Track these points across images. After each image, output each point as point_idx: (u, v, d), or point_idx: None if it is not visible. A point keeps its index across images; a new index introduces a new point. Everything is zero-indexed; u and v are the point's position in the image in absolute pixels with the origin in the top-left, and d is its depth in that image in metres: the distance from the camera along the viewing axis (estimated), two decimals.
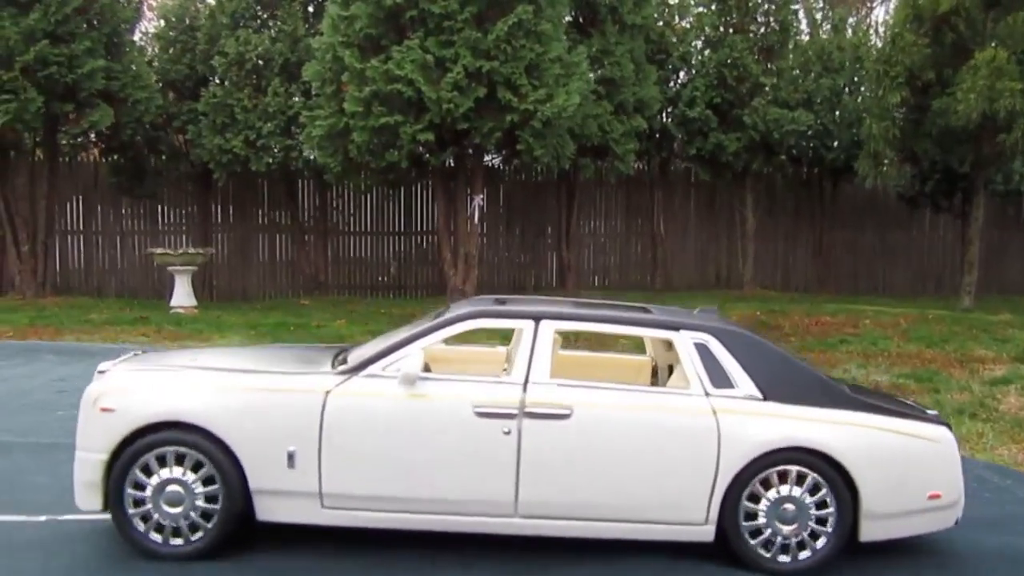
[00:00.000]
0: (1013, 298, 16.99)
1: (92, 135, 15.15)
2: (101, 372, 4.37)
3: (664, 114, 17.11)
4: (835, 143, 17.36)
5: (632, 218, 18.76)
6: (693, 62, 17.11)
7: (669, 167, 18.53)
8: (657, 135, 17.27)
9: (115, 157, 16.05)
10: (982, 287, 15.68)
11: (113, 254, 17.58)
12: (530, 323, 4.37)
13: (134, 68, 14.18)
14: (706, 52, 16.95)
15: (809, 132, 16.54)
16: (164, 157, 16.59)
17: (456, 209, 14.76)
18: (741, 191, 17.72)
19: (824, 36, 18.04)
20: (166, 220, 17.80)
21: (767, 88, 16.27)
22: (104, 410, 4.10)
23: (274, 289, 18.03)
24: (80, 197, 17.24)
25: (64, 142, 15.22)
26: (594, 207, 18.75)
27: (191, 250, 13.80)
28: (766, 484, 4.16)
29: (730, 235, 18.61)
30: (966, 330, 11.95)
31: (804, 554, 4.17)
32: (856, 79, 17.33)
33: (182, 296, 13.59)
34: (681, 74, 17.33)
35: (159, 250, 13.86)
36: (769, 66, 16.56)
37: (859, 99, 16.64)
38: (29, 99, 12.61)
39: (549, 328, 4.35)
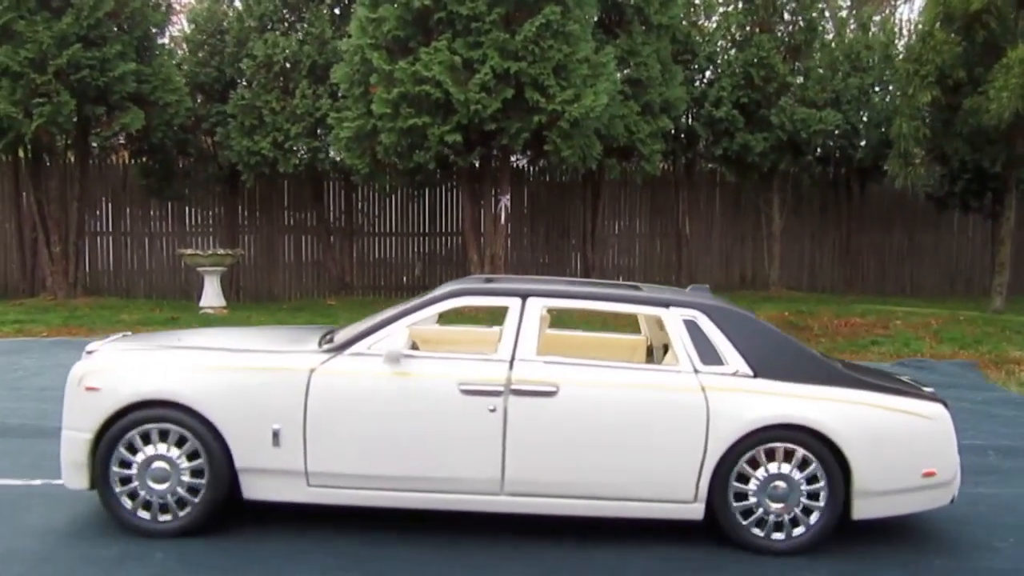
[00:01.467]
0: None
1: (122, 138, 15.30)
2: (89, 352, 4.37)
3: (690, 114, 17.06)
4: (863, 143, 17.23)
5: (657, 219, 18.71)
6: (719, 62, 17.03)
7: (695, 168, 18.46)
8: (683, 136, 17.21)
9: (144, 159, 16.21)
10: (1012, 288, 15.50)
11: (141, 255, 17.75)
12: (517, 300, 4.34)
13: (164, 71, 14.30)
14: (732, 52, 16.86)
15: (837, 132, 16.42)
16: (192, 159, 16.75)
17: (482, 210, 14.79)
18: (767, 192, 17.62)
19: (851, 35, 17.91)
20: (193, 222, 17.96)
21: (794, 88, 16.18)
22: (89, 389, 4.11)
23: (299, 290, 18.14)
24: (109, 199, 17.43)
25: (95, 144, 15.37)
26: (619, 208, 18.72)
27: (220, 251, 13.91)
28: (756, 462, 4.11)
29: (755, 236, 18.51)
30: (999, 331, 11.83)
31: (798, 530, 4.12)
32: (884, 78, 17.18)
33: (211, 297, 13.70)
34: (707, 74, 17.24)
35: (188, 251, 13.98)
36: (796, 65, 16.47)
37: (887, 98, 16.49)
38: (62, 102, 12.76)
39: (536, 305, 4.31)
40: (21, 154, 15.11)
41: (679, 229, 18.42)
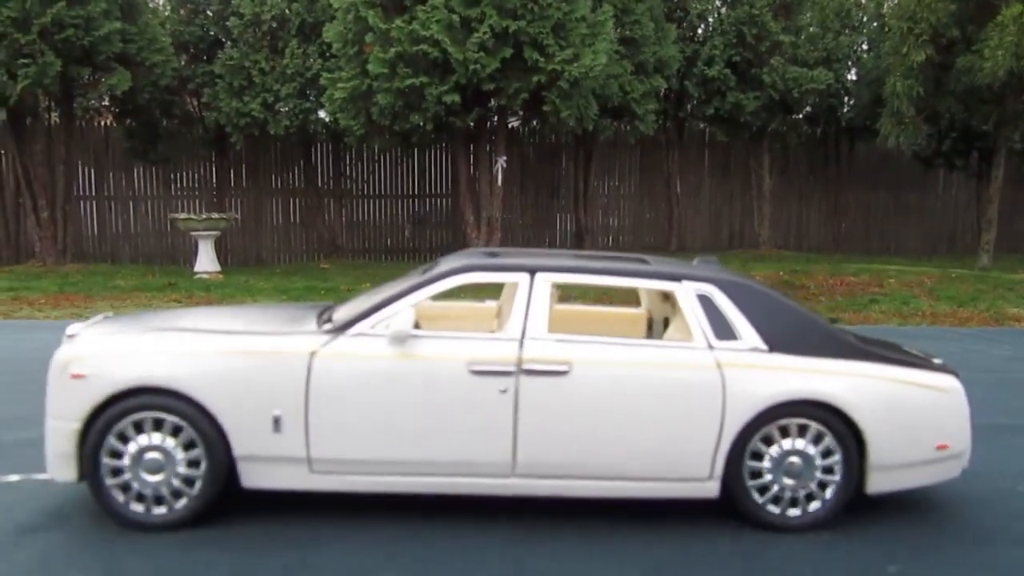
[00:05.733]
0: None
1: (107, 99, 14.93)
2: (70, 336, 4.11)
3: (680, 74, 17.00)
4: (851, 102, 17.30)
5: (647, 179, 18.73)
6: (711, 20, 16.94)
7: (684, 128, 18.45)
8: (673, 95, 17.16)
9: (129, 122, 15.84)
10: (997, 245, 15.75)
11: (126, 220, 17.46)
12: (525, 276, 4.17)
13: (149, 31, 13.94)
14: (724, 9, 16.78)
15: (828, 91, 16.46)
16: (177, 121, 16.40)
17: (478, 171, 14.69)
18: (757, 151, 17.68)
19: None
20: (179, 185, 17.68)
21: (786, 46, 16.15)
22: (75, 376, 3.87)
23: (288, 253, 17.98)
24: (92, 162, 17.07)
25: (79, 106, 15.00)
26: (610, 168, 18.71)
27: (215, 215, 13.71)
28: (772, 438, 4.05)
29: (744, 196, 18.62)
30: (992, 288, 12.05)
31: (814, 505, 4.07)
32: (874, 37, 17.21)
33: (206, 262, 13.53)
34: (699, 32, 17.14)
35: (182, 215, 13.77)
36: (788, 23, 16.43)
37: (879, 57, 16.53)
38: (48, 63, 12.41)
39: (545, 281, 4.16)
40: (0, 117, 14.73)
41: (669, 189, 18.45)
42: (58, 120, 15.00)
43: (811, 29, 16.72)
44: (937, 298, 11.41)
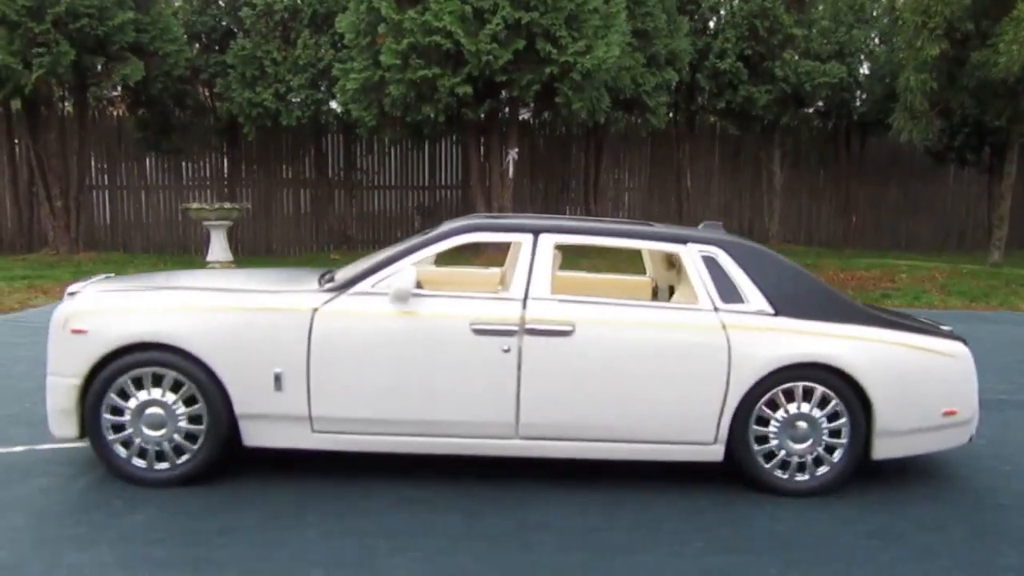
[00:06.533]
0: None
1: (119, 89, 14.98)
2: (72, 294, 4.11)
3: (692, 67, 16.96)
4: (864, 96, 17.24)
5: (657, 172, 18.71)
6: (723, 12, 16.89)
7: (695, 121, 18.42)
8: (685, 88, 17.13)
9: (141, 112, 15.89)
10: (1008, 242, 15.70)
11: (138, 209, 17.52)
12: (528, 236, 4.15)
13: (162, 21, 13.97)
14: (736, 2, 16.73)
15: (840, 85, 16.41)
16: (189, 111, 16.44)
17: (489, 163, 14.69)
18: (768, 145, 17.64)
19: None
20: (190, 175, 17.72)
21: (798, 39, 16.10)
22: (76, 332, 3.86)
23: (298, 243, 18.02)
24: (104, 152, 17.13)
25: (92, 96, 15.05)
26: (620, 161, 18.69)
27: (227, 205, 13.71)
28: (777, 402, 4.03)
29: (754, 190, 18.59)
30: (1003, 284, 12.03)
31: (822, 469, 4.06)
32: (887, 30, 17.13)
33: (218, 251, 13.55)
34: (711, 24, 17.10)
35: (195, 205, 13.78)
36: (800, 17, 16.37)
37: (892, 51, 16.47)
38: (62, 52, 12.45)
39: (549, 241, 4.13)
40: (14, 106, 14.78)
41: (679, 183, 18.44)
42: (71, 110, 15.05)
43: (824, 22, 16.66)
44: (949, 293, 11.39)
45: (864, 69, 17.54)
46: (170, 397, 3.91)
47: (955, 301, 10.80)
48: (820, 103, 17.45)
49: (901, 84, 14.22)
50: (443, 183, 18.42)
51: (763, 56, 16.14)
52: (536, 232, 4.16)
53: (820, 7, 16.88)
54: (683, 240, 4.24)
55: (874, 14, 17.23)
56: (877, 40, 17.61)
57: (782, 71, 15.88)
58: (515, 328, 3.91)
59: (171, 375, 3.88)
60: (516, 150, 14.30)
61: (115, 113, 17.09)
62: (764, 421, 4.04)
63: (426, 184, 18.43)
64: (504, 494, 3.98)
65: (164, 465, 3.93)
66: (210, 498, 3.82)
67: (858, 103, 17.14)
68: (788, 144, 17.95)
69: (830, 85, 16.08)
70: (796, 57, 15.93)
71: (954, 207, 19.56)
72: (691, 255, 4.18)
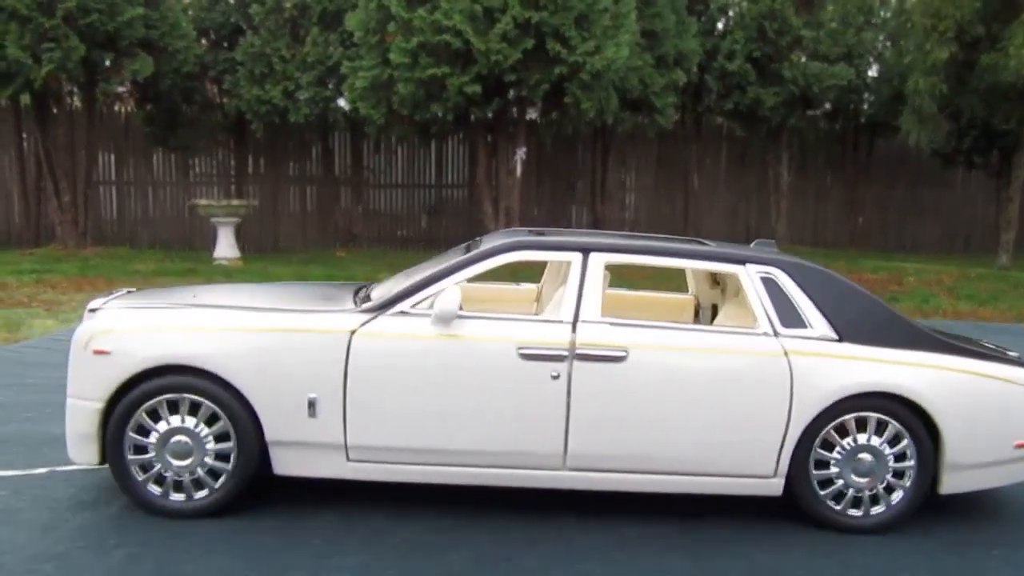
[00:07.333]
0: None
1: (128, 85, 15.01)
2: (92, 311, 3.89)
3: (700, 68, 16.94)
4: (871, 98, 17.21)
5: (664, 173, 18.69)
6: (731, 14, 16.87)
7: (702, 122, 18.40)
8: (692, 89, 17.11)
9: (149, 108, 15.92)
10: (1016, 245, 15.67)
11: (145, 205, 17.56)
12: (578, 255, 3.92)
13: (172, 16, 14.00)
14: (745, 4, 16.70)
15: (849, 87, 16.38)
16: (197, 107, 16.47)
17: (496, 162, 14.70)
18: (775, 147, 17.62)
19: None
20: (198, 171, 17.75)
21: (807, 41, 16.08)
22: (98, 352, 3.65)
23: (305, 241, 18.03)
24: (112, 148, 17.16)
25: (100, 92, 15.08)
26: (627, 161, 18.69)
27: (235, 201, 13.77)
28: (842, 432, 3.82)
29: (761, 191, 18.57)
30: (1012, 288, 12.00)
31: (877, 509, 3.86)
32: (896, 33, 17.10)
33: (226, 248, 13.59)
34: (719, 25, 17.08)
35: (203, 201, 13.83)
36: (809, 18, 16.35)
37: (900, 53, 16.44)
38: (72, 47, 12.47)
39: (599, 261, 3.91)
40: (23, 100, 14.79)
41: (686, 184, 18.42)
42: (80, 105, 15.08)
43: (832, 24, 16.63)
44: (958, 296, 11.37)
45: (872, 71, 17.52)
46: (202, 428, 3.71)
47: (964, 305, 10.79)
48: (828, 105, 17.43)
49: (910, 87, 14.18)
50: (450, 182, 18.43)
51: (771, 57, 16.11)
52: (586, 251, 3.95)
53: (829, 8, 16.85)
54: (741, 260, 4.00)
55: (883, 15, 17.19)
56: (887, 43, 17.56)
57: (790, 73, 15.85)
58: (565, 353, 3.71)
59: (199, 400, 3.69)
60: (524, 150, 14.30)
61: (123, 109, 17.12)
62: (829, 448, 3.85)
63: (433, 183, 18.44)
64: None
65: (189, 495, 3.74)
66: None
67: (866, 105, 17.11)
68: (795, 146, 17.92)
69: (838, 87, 16.06)
70: (804, 59, 15.90)
71: (961, 210, 19.51)
72: (750, 276, 3.95)
